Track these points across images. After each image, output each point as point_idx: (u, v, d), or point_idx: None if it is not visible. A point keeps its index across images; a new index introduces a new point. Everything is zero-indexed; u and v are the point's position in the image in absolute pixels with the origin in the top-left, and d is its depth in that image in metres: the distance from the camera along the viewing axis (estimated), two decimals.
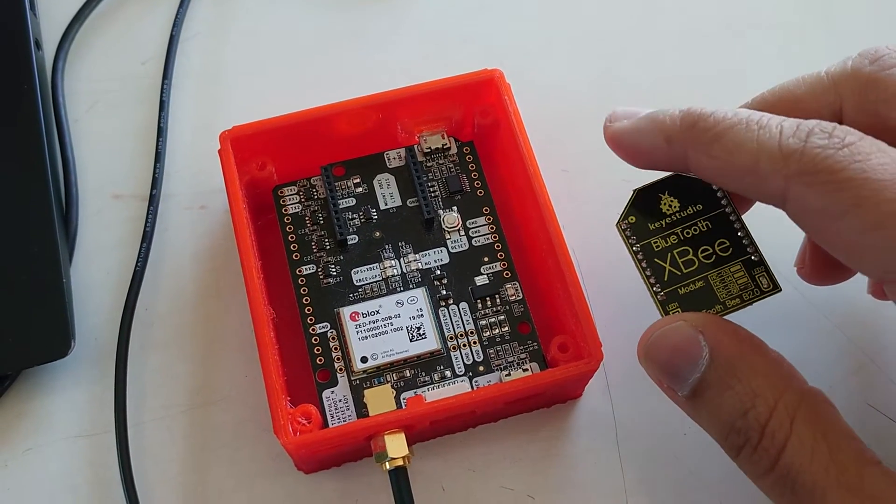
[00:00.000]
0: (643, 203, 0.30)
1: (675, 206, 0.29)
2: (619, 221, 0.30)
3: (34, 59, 0.38)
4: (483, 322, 0.33)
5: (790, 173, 0.25)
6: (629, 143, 0.30)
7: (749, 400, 0.25)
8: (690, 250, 0.29)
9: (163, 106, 0.38)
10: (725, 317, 0.28)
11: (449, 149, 0.36)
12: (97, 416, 0.33)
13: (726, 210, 0.29)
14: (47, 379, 0.34)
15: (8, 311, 0.33)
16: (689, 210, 0.29)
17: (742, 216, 0.29)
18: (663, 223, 0.29)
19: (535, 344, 0.32)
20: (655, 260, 0.29)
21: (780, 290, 0.28)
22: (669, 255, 0.29)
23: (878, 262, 0.24)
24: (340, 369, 0.32)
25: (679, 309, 0.28)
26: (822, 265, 0.33)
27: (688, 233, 0.29)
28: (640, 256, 0.29)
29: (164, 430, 0.33)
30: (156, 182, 0.37)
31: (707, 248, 0.29)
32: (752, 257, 0.29)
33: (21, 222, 0.35)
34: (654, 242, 0.29)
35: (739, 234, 0.29)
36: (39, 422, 0.33)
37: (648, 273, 0.29)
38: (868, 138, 0.25)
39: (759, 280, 0.29)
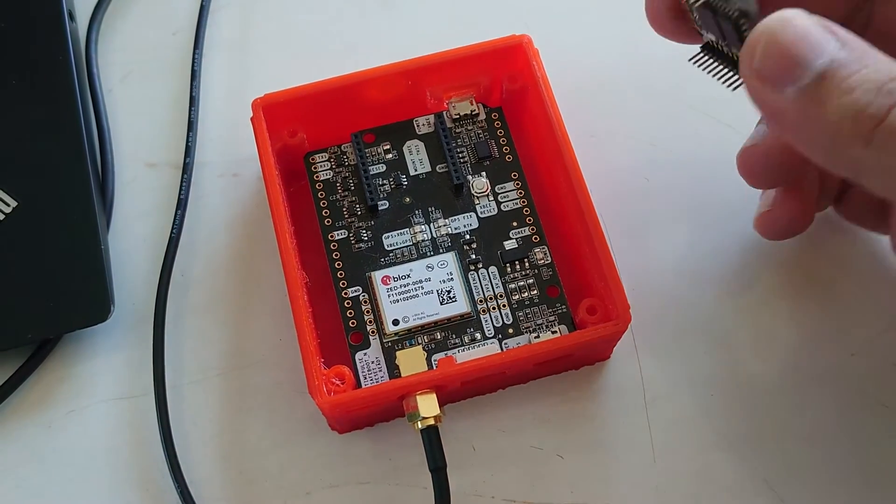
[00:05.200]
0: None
1: None
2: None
3: (68, 30, 0.39)
4: (512, 286, 0.33)
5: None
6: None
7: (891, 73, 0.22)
8: None
9: (194, 75, 0.39)
10: None
11: (477, 115, 0.36)
12: (136, 378, 0.34)
13: None
14: (88, 343, 0.35)
15: (49, 278, 0.34)
16: None
17: None
18: None
19: (563, 307, 0.33)
20: None
21: None
22: None
23: None
24: (372, 332, 0.32)
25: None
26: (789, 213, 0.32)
27: None
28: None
29: (201, 392, 0.34)
30: (189, 150, 0.37)
31: None
32: None
33: (59, 191, 0.35)
34: None
35: None
36: (81, 384, 0.34)
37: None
38: None
39: None
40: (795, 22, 0.23)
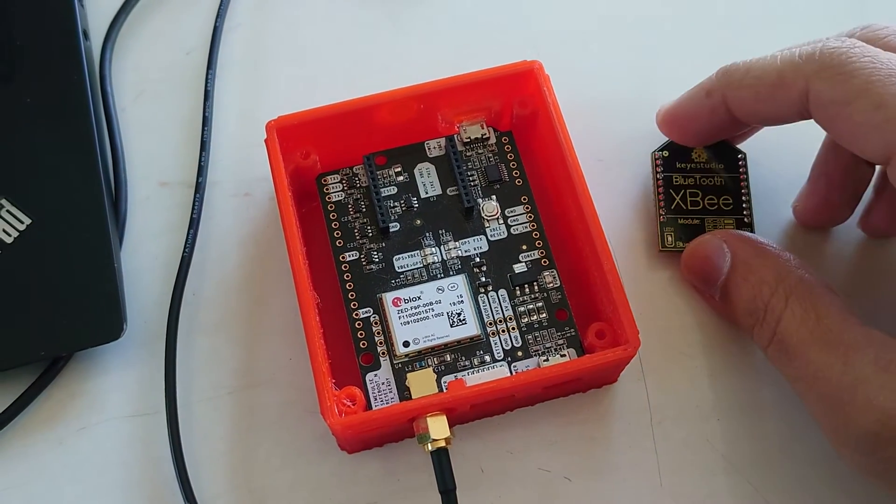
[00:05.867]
0: (679, 146, 0.36)
1: (703, 157, 0.36)
2: (654, 151, 0.37)
3: (83, 49, 0.39)
4: (521, 308, 0.33)
5: (809, 73, 0.29)
6: (676, 113, 0.35)
7: (757, 287, 0.31)
8: (700, 194, 0.36)
9: (207, 96, 0.39)
10: None
11: (488, 138, 0.36)
12: (148, 396, 0.34)
13: (741, 176, 0.36)
14: (99, 360, 0.35)
15: (62, 296, 0.34)
16: (713, 165, 0.36)
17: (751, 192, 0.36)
18: (688, 166, 0.36)
19: (572, 330, 0.33)
20: (671, 191, 0.36)
21: None
22: (683, 191, 0.36)
23: (880, 140, 0.28)
24: (383, 353, 0.33)
25: (673, 233, 0.35)
26: (816, 204, 0.36)
27: (704, 181, 0.36)
28: (660, 184, 0.36)
29: (212, 410, 0.34)
30: (201, 170, 0.38)
31: (713, 199, 0.36)
32: (745, 219, 0.36)
33: (73, 209, 0.36)
34: (675, 178, 0.36)
35: (744, 198, 0.36)
36: (93, 401, 0.34)
37: (661, 198, 0.36)
38: (873, 46, 0.29)
39: None
40: (699, 247, 0.34)
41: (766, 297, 0.31)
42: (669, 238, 0.35)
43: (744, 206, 0.36)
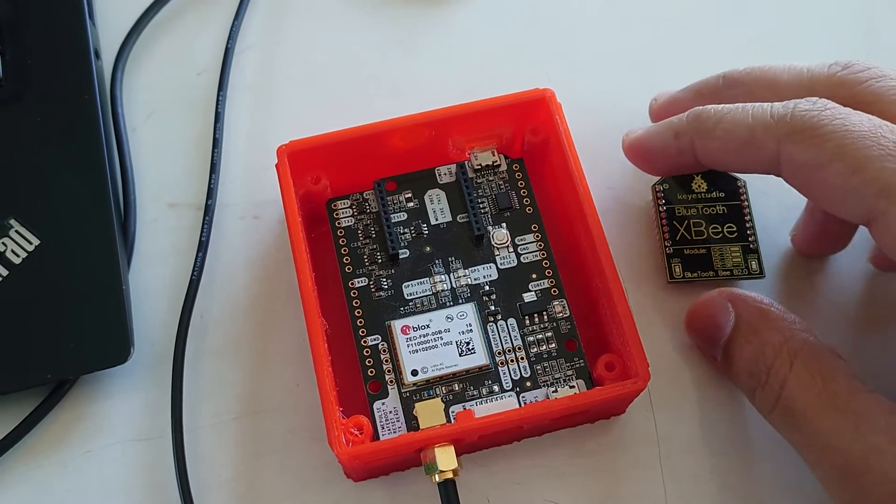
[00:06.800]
0: (680, 178, 0.37)
1: (703, 187, 0.37)
2: (655, 184, 0.37)
3: (94, 68, 0.39)
4: (531, 338, 0.33)
5: (781, 135, 0.29)
6: (644, 146, 0.35)
7: (760, 348, 0.30)
8: (704, 224, 0.36)
9: (218, 117, 0.39)
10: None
11: (499, 165, 0.36)
12: (153, 420, 0.34)
13: (743, 203, 0.36)
14: (105, 383, 0.35)
15: (69, 318, 0.34)
16: (714, 194, 0.36)
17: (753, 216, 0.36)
18: (689, 197, 0.36)
19: (581, 361, 0.33)
20: (674, 222, 0.36)
21: (764, 276, 0.35)
22: (686, 222, 0.36)
23: (859, 203, 0.28)
24: (391, 381, 0.33)
25: (680, 264, 0.35)
26: (813, 233, 0.36)
27: (706, 210, 0.36)
28: (663, 216, 0.36)
29: (218, 436, 0.34)
30: (211, 192, 0.38)
31: (717, 227, 0.36)
32: (751, 245, 0.36)
33: (82, 230, 0.36)
34: (678, 209, 0.36)
35: (747, 224, 0.36)
36: (98, 425, 0.34)
37: (665, 230, 0.36)
38: (844, 107, 0.29)
39: (750, 263, 0.35)
40: (702, 305, 0.33)
41: (769, 359, 0.30)
42: (677, 269, 0.35)
43: (748, 232, 0.36)
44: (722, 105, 0.32)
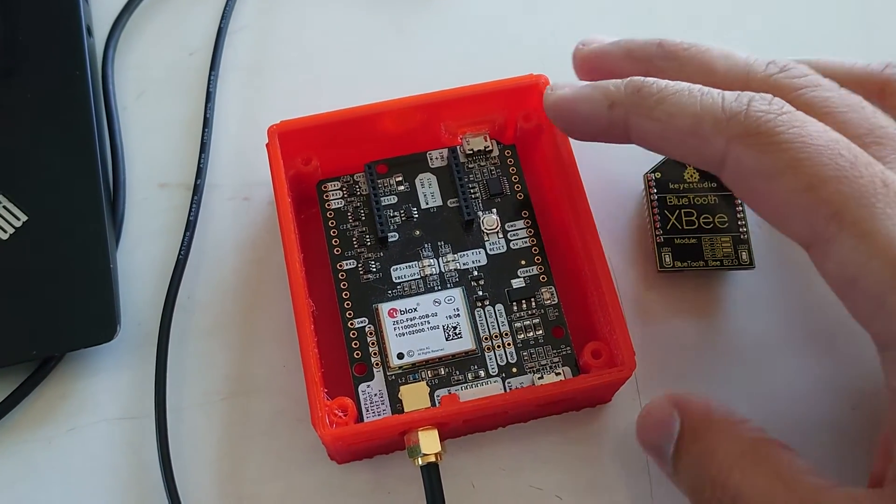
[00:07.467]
0: (672, 167, 0.36)
1: (695, 177, 0.36)
2: (647, 172, 0.36)
3: (86, 45, 0.39)
4: (518, 324, 0.33)
5: (732, 135, 0.26)
6: (570, 108, 0.31)
7: (706, 457, 0.27)
8: (695, 213, 0.36)
9: (209, 97, 0.39)
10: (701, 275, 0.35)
11: (491, 151, 0.36)
12: (138, 399, 0.34)
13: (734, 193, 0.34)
14: (91, 361, 0.35)
15: (56, 295, 0.34)
16: (706, 184, 0.36)
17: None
18: (681, 186, 0.36)
19: (568, 348, 0.33)
20: (665, 211, 0.36)
21: (754, 267, 0.35)
22: (678, 211, 0.36)
23: (806, 222, 0.26)
24: (377, 364, 0.33)
25: (670, 253, 0.35)
26: None
27: (698, 200, 0.36)
28: (654, 205, 0.36)
29: (203, 416, 0.34)
30: (200, 172, 0.37)
31: (708, 217, 0.36)
32: (742, 236, 0.35)
33: (70, 207, 0.35)
34: (669, 198, 0.36)
35: (739, 215, 0.36)
36: (83, 402, 0.34)
37: (656, 219, 0.35)
38: (800, 112, 0.26)
39: (740, 254, 0.35)
40: (650, 412, 0.30)
41: (712, 468, 0.27)
42: (667, 258, 0.35)
43: (739, 223, 0.36)
44: (666, 82, 0.28)
